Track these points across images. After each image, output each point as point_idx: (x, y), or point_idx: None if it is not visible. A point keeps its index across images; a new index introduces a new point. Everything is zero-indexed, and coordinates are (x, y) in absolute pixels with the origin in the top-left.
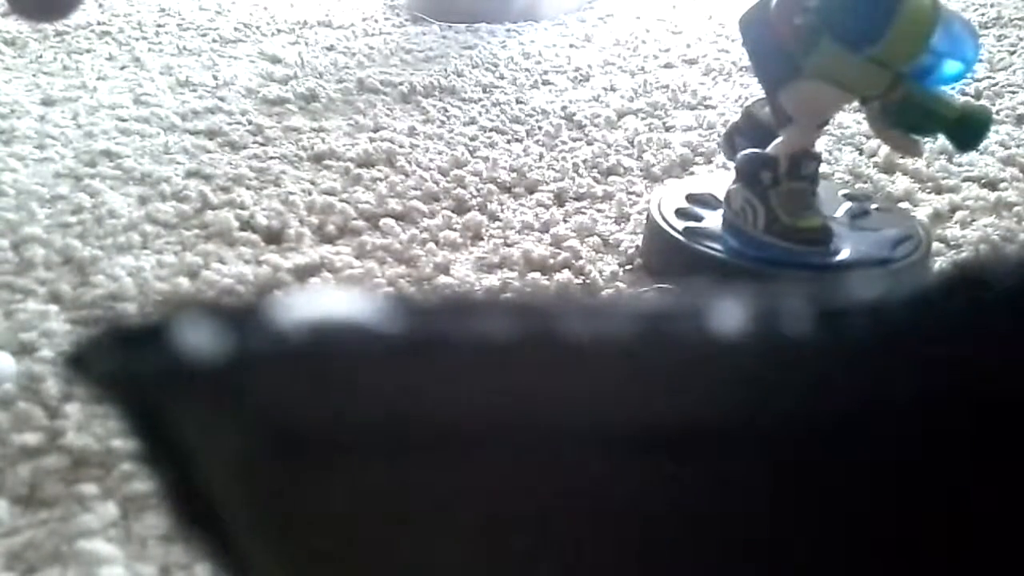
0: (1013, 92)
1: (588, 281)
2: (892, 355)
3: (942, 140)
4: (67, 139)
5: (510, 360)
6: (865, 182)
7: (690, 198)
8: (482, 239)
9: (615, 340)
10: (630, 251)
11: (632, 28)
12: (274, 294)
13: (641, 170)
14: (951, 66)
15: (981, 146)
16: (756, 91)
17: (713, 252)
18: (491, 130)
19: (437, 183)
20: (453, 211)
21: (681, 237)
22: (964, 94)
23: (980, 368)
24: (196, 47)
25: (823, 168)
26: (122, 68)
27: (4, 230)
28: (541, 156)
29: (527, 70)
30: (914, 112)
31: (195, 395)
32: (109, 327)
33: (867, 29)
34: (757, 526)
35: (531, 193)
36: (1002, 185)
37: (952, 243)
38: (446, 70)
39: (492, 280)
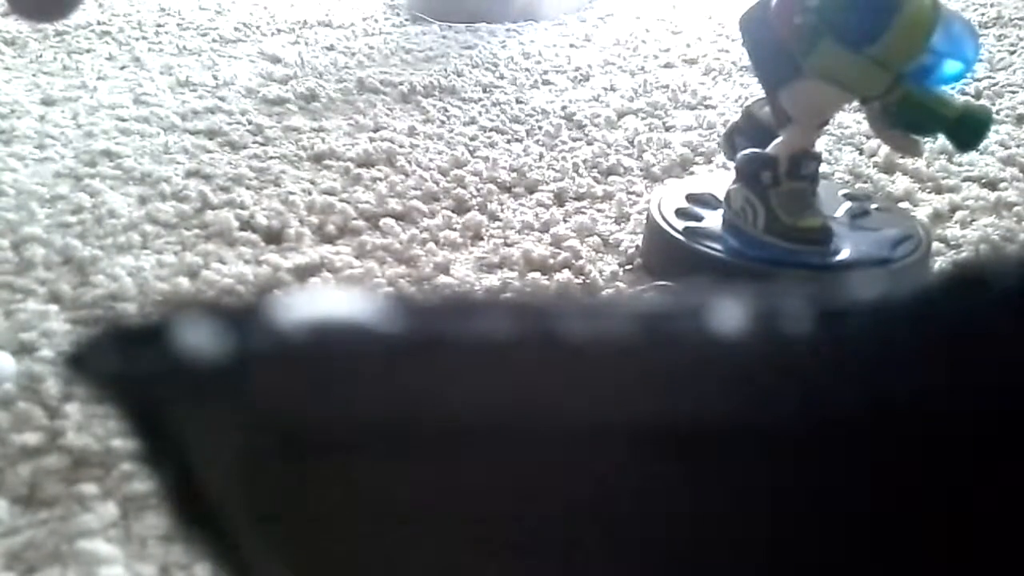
0: (1013, 92)
1: (588, 281)
2: (892, 355)
3: (942, 140)
4: (67, 139)
5: (510, 360)
6: (865, 182)
7: (690, 198)
8: (482, 239)
9: (615, 340)
10: (630, 251)
11: (632, 28)
12: (274, 294)
13: (641, 170)
14: (951, 66)
15: (981, 146)
16: (756, 91)
17: (713, 252)
18: (491, 130)
19: (437, 183)
20: (453, 211)
21: (681, 237)
22: (964, 94)
23: (980, 368)
24: (196, 47)
25: (823, 168)
26: (122, 68)
27: (4, 230)
28: (541, 156)
29: (527, 70)
30: (914, 112)
31: (195, 395)
32: (109, 327)
33: (867, 29)
34: (757, 526)
35: (531, 193)
36: (1002, 185)
37: (952, 243)
38: (446, 70)
39: (492, 280)
